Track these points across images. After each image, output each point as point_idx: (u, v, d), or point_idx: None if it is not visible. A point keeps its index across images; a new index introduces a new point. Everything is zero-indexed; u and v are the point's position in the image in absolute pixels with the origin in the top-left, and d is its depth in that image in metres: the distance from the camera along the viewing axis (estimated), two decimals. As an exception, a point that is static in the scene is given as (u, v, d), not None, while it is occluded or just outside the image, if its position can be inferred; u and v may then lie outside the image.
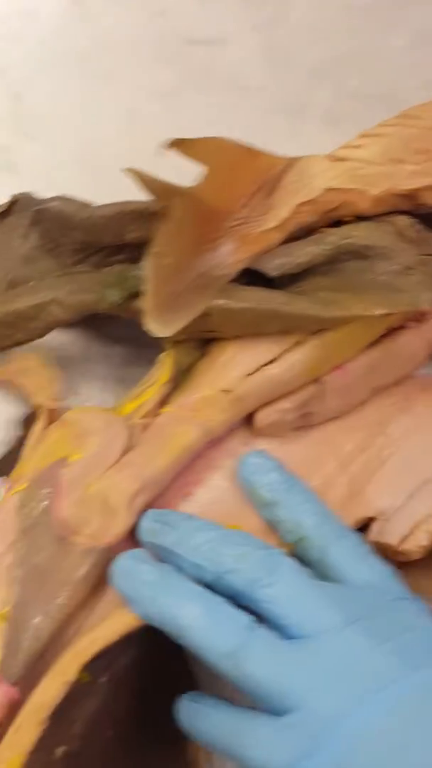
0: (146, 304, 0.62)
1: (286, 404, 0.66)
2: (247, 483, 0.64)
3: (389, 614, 0.57)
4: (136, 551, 0.60)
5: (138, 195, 0.69)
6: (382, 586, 0.59)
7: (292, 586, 0.57)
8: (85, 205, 0.71)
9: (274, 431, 0.67)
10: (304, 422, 0.67)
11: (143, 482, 0.61)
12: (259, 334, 0.64)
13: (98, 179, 0.81)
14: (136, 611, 0.58)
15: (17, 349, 0.72)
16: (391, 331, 0.68)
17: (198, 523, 0.60)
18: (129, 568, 0.59)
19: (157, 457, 0.62)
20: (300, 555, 0.61)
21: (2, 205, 0.76)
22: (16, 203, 0.75)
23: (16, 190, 0.78)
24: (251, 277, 0.66)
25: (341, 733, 0.52)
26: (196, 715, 0.59)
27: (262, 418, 0.66)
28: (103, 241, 0.71)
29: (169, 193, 0.62)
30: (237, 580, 0.57)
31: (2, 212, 0.76)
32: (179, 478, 0.64)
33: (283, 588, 0.57)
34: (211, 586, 0.58)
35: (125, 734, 0.63)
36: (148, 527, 0.61)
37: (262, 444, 0.67)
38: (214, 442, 0.66)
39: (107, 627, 0.59)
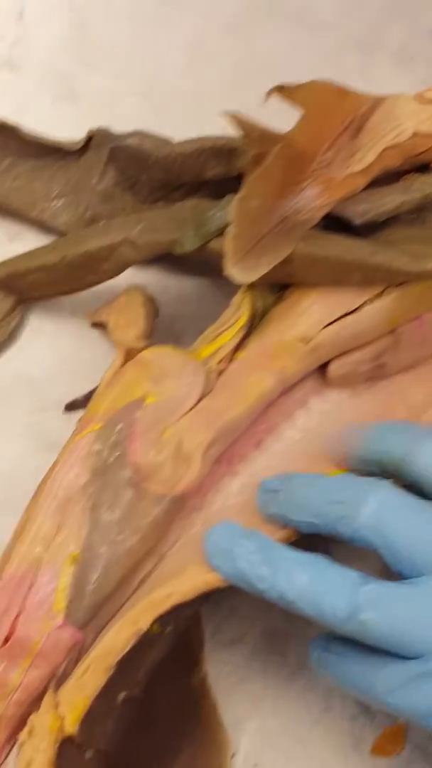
0: (228, 249, 0.60)
1: (360, 356, 0.64)
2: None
3: None
4: (229, 525, 0.58)
5: (203, 129, 0.68)
6: None
7: (403, 520, 0.55)
8: (163, 142, 0.69)
9: (346, 382, 0.65)
10: (376, 373, 0.65)
11: (218, 431, 0.59)
12: (340, 283, 0.62)
13: (161, 112, 0.79)
14: (240, 585, 0.57)
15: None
16: (471, 282, 0.66)
17: (299, 481, 0.59)
18: (225, 544, 0.57)
19: (233, 405, 0.60)
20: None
21: (79, 141, 0.74)
22: (93, 139, 0.73)
23: (77, 120, 0.76)
24: (333, 223, 0.64)
25: None
26: (329, 662, 0.57)
27: (336, 369, 0.64)
28: (182, 179, 0.69)
29: (268, 140, 0.60)
30: (349, 526, 0.55)
31: (79, 149, 0.74)
32: (251, 426, 0.63)
33: (393, 523, 0.55)
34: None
35: (166, 677, 0.62)
36: (262, 499, 0.60)
37: (333, 394, 0.65)
38: (285, 390, 0.64)
39: (186, 583, 0.57)
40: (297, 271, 0.62)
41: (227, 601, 0.67)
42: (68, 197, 0.75)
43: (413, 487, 0.58)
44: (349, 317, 0.62)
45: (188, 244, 0.63)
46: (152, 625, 0.57)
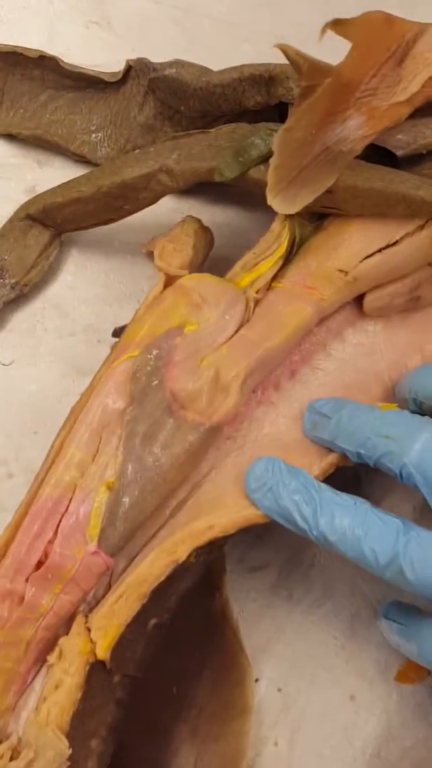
0: (271, 179, 0.59)
1: (397, 288, 0.63)
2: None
3: None
4: (273, 460, 0.58)
5: (238, 57, 0.66)
6: None
7: None
8: (202, 72, 0.67)
9: (381, 313, 0.64)
10: (411, 305, 0.64)
11: (256, 362, 0.58)
12: (382, 215, 0.61)
13: (195, 40, 0.78)
14: (281, 522, 0.57)
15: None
16: None
17: (351, 409, 0.58)
18: (268, 479, 0.57)
19: (272, 335, 0.59)
20: None
21: (116, 73, 0.72)
22: (131, 70, 0.71)
23: (110, 46, 0.75)
24: (374, 154, 0.62)
25: None
26: (402, 626, 0.59)
27: (372, 300, 0.63)
28: (222, 109, 0.68)
29: (317, 72, 0.58)
30: (394, 461, 0.55)
31: (118, 80, 0.72)
32: (287, 356, 0.62)
33: None
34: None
35: (189, 602, 0.62)
36: (309, 420, 0.60)
37: (368, 324, 0.64)
38: (320, 320, 0.63)
39: (227, 516, 0.57)
40: (339, 202, 0.60)
41: (253, 529, 0.67)
42: (108, 129, 0.73)
43: None
44: (389, 249, 0.61)
45: (228, 171, 0.62)
46: (189, 555, 0.56)
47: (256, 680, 0.66)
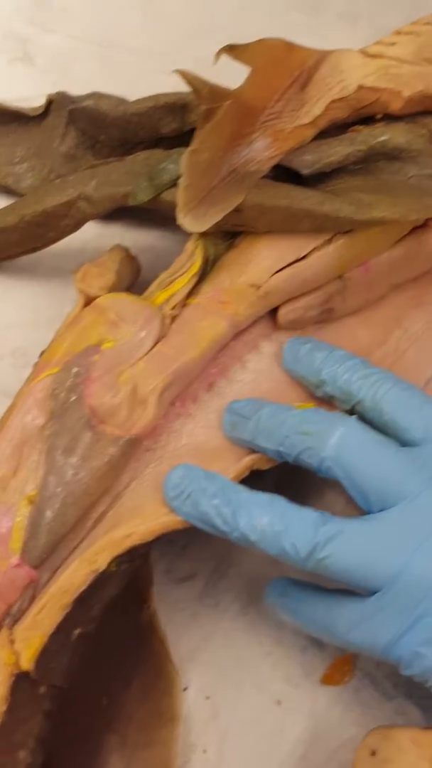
0: (180, 199, 0.60)
1: (309, 300, 0.65)
2: (291, 372, 0.64)
3: None
4: (189, 467, 0.59)
5: (158, 87, 0.68)
6: None
7: (365, 453, 0.57)
8: (119, 101, 0.69)
9: (295, 325, 0.66)
10: (324, 317, 0.66)
11: (173, 375, 0.60)
12: (290, 230, 0.62)
13: (116, 72, 0.79)
14: (201, 527, 0.58)
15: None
16: (414, 230, 0.66)
17: (270, 409, 0.60)
18: (185, 486, 0.58)
19: (188, 349, 0.61)
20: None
21: (38, 107, 0.74)
22: (52, 103, 0.73)
23: (33, 82, 0.77)
24: (282, 173, 0.64)
25: None
26: (288, 606, 0.60)
27: (285, 313, 0.65)
28: (139, 136, 0.70)
29: (216, 96, 0.60)
30: (314, 456, 0.57)
31: (40, 114, 0.74)
32: (203, 369, 0.64)
33: (356, 455, 0.57)
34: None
35: (116, 613, 0.63)
36: (228, 421, 0.62)
37: (283, 337, 0.66)
38: (237, 334, 0.64)
39: (145, 524, 0.58)
40: (248, 220, 0.62)
41: (179, 540, 0.69)
42: (31, 161, 0.75)
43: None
44: (298, 263, 0.63)
45: (142, 195, 0.64)
46: (110, 564, 0.57)
47: (185, 689, 0.67)
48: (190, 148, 0.60)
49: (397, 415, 0.58)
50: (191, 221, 0.59)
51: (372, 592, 0.55)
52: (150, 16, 0.79)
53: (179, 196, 0.60)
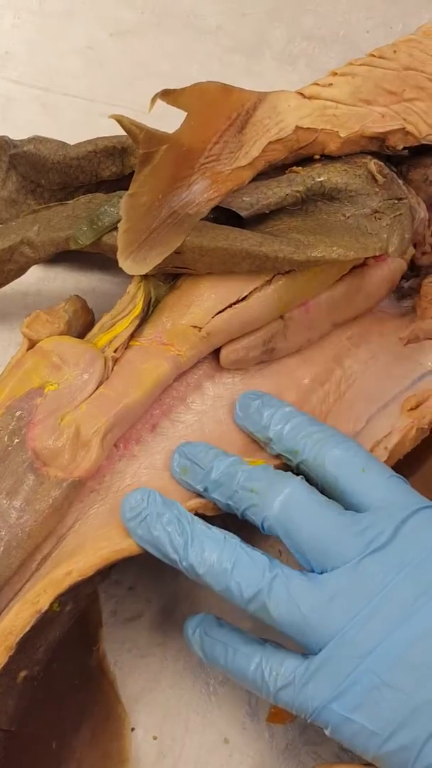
0: (120, 242, 0.60)
1: (250, 341, 0.65)
2: (243, 428, 0.64)
3: (405, 537, 0.56)
4: (148, 491, 0.59)
5: (98, 131, 0.68)
6: (390, 500, 0.58)
7: (307, 515, 0.57)
8: (59, 146, 0.69)
9: (237, 365, 0.66)
10: (266, 357, 0.66)
11: (115, 417, 0.60)
12: (230, 271, 0.63)
13: (56, 117, 0.79)
14: (152, 551, 0.58)
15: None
16: (354, 269, 0.67)
17: (222, 464, 0.60)
18: (142, 509, 0.58)
19: (130, 391, 0.61)
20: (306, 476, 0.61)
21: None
22: (-7, 148, 0.72)
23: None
24: (222, 215, 0.64)
25: (370, 668, 0.53)
26: (213, 647, 0.59)
27: (228, 354, 0.65)
28: (79, 180, 0.69)
29: (153, 141, 0.60)
30: (257, 514, 0.58)
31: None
32: (148, 411, 0.64)
33: (297, 517, 0.57)
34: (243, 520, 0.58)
35: (65, 656, 0.63)
36: (178, 464, 0.62)
37: (226, 377, 0.66)
38: (179, 375, 0.64)
39: (83, 560, 0.58)
40: (188, 261, 0.62)
41: (125, 581, 0.68)
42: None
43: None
44: (239, 304, 0.63)
45: (83, 238, 0.64)
46: (52, 604, 0.57)
47: (132, 729, 0.66)
48: (129, 192, 0.60)
49: (339, 478, 0.59)
50: (132, 264, 0.59)
51: (307, 652, 0.55)
52: (90, 62, 0.79)
53: (120, 239, 0.60)
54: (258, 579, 0.55)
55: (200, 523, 0.57)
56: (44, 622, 0.57)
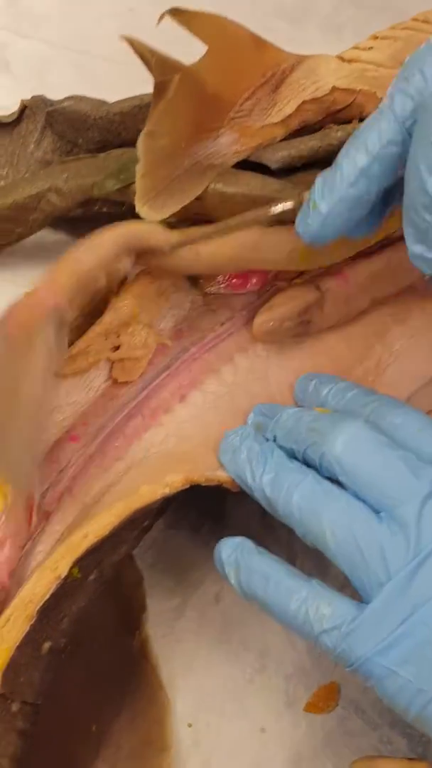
0: (138, 188, 0.58)
1: (285, 311, 0.62)
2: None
3: None
4: (246, 429, 0.58)
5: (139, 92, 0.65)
6: None
7: (369, 452, 0.53)
8: (99, 103, 0.67)
9: (272, 338, 0.63)
10: (302, 330, 0.63)
11: None
12: None
13: (92, 80, 0.77)
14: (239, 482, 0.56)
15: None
16: (394, 242, 0.63)
17: (290, 411, 0.58)
18: (237, 442, 0.57)
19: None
20: None
21: (11, 114, 0.71)
22: (27, 108, 0.71)
23: (9, 89, 0.74)
24: (250, 167, 0.61)
25: (424, 620, 0.49)
26: (252, 578, 0.54)
27: (260, 323, 0.62)
28: (122, 137, 0.67)
29: (167, 67, 0.57)
30: (314, 454, 0.54)
31: (13, 120, 0.71)
32: (175, 380, 0.61)
33: (359, 454, 0.53)
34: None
35: (101, 631, 0.61)
36: (252, 422, 0.60)
37: (260, 350, 0.63)
38: (210, 347, 0.62)
39: (98, 521, 0.55)
40: (208, 208, 0.59)
41: (167, 566, 0.66)
42: (5, 169, 0.72)
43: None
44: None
45: (109, 185, 0.62)
46: (71, 569, 0.54)
47: None
48: (145, 130, 0.57)
49: (398, 438, 0.55)
50: (149, 211, 0.57)
51: (358, 592, 0.51)
52: (127, 25, 0.77)
53: (137, 185, 0.57)
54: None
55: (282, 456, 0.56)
56: (65, 589, 0.54)
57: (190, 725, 0.63)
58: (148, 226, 0.57)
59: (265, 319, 0.62)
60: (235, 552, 0.55)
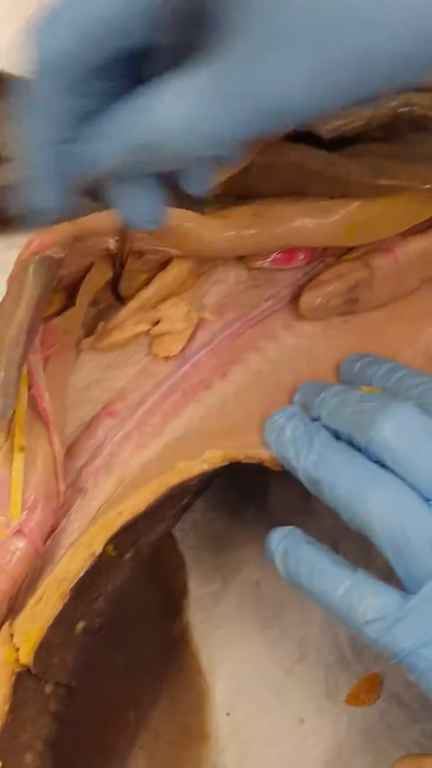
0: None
1: (333, 288, 0.60)
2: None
3: None
4: (293, 409, 0.56)
5: None
6: None
7: (418, 438, 0.51)
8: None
9: (318, 315, 0.61)
10: (349, 308, 0.61)
11: None
12: (299, 193, 0.58)
13: None
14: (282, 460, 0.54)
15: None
16: (451, 220, 0.61)
17: (335, 389, 0.56)
18: (281, 422, 0.55)
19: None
20: None
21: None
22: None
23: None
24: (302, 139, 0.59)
25: None
26: (299, 567, 0.52)
27: (307, 300, 0.60)
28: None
29: None
30: (362, 438, 0.52)
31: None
32: (217, 356, 0.60)
33: (410, 444, 0.51)
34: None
35: (141, 615, 0.60)
36: (298, 401, 0.58)
37: (306, 328, 0.62)
38: (254, 323, 0.61)
39: (133, 499, 0.54)
40: (254, 179, 0.58)
41: (209, 551, 0.65)
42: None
43: None
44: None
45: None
46: (106, 547, 0.52)
47: None
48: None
49: None
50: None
51: (404, 584, 0.49)
52: None
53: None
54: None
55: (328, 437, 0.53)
56: (100, 567, 0.53)
57: (228, 714, 0.62)
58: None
59: (312, 296, 0.60)
60: (284, 540, 0.53)
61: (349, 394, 0.54)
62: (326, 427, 0.54)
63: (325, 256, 0.62)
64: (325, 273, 0.61)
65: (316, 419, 0.55)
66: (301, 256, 0.61)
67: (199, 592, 0.64)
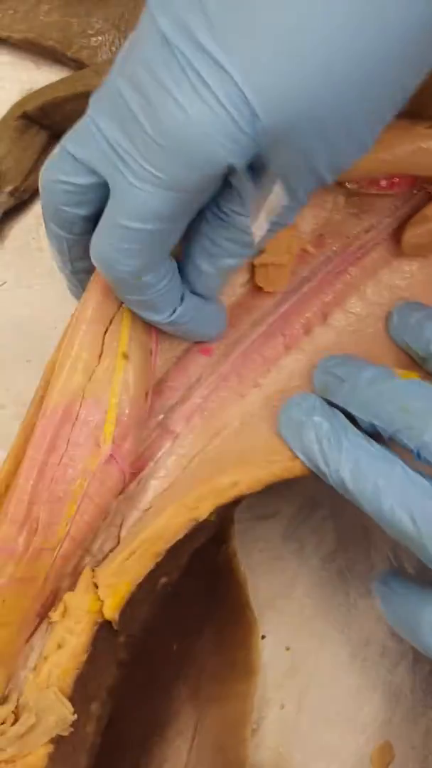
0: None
1: (440, 225, 0.56)
2: (398, 339, 0.55)
3: None
4: (309, 398, 0.50)
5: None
6: None
7: None
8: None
9: (420, 251, 0.57)
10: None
11: None
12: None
13: None
14: (303, 461, 0.50)
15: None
16: None
17: (368, 375, 0.50)
18: (300, 417, 0.50)
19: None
20: None
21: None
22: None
23: None
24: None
25: None
26: (386, 595, 0.50)
27: (411, 236, 0.56)
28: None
29: None
30: (413, 438, 0.47)
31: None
32: (318, 296, 0.56)
33: None
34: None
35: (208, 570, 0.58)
36: (320, 382, 0.52)
37: (403, 264, 0.58)
38: (354, 260, 0.56)
39: (253, 473, 0.50)
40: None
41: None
42: (110, 33, 0.65)
43: None
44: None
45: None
46: (211, 513, 0.50)
47: (263, 637, 0.61)
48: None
49: None
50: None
51: None
52: None
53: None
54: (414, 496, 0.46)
55: (360, 437, 0.48)
56: (196, 530, 0.50)
57: (288, 649, 0.61)
58: None
59: (416, 232, 0.56)
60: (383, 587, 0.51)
61: (388, 384, 0.49)
62: (349, 414, 0.50)
63: (427, 183, 0.56)
64: (430, 206, 0.56)
65: (340, 405, 0.50)
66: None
67: (249, 517, 0.62)
